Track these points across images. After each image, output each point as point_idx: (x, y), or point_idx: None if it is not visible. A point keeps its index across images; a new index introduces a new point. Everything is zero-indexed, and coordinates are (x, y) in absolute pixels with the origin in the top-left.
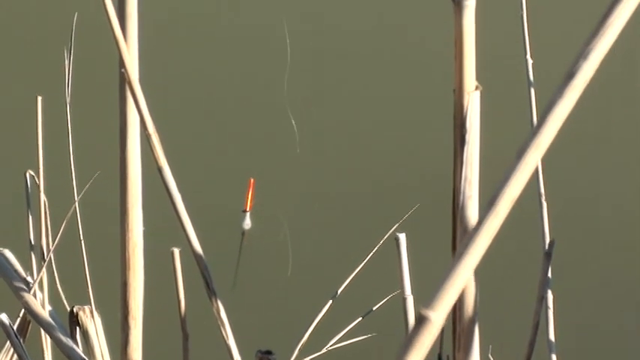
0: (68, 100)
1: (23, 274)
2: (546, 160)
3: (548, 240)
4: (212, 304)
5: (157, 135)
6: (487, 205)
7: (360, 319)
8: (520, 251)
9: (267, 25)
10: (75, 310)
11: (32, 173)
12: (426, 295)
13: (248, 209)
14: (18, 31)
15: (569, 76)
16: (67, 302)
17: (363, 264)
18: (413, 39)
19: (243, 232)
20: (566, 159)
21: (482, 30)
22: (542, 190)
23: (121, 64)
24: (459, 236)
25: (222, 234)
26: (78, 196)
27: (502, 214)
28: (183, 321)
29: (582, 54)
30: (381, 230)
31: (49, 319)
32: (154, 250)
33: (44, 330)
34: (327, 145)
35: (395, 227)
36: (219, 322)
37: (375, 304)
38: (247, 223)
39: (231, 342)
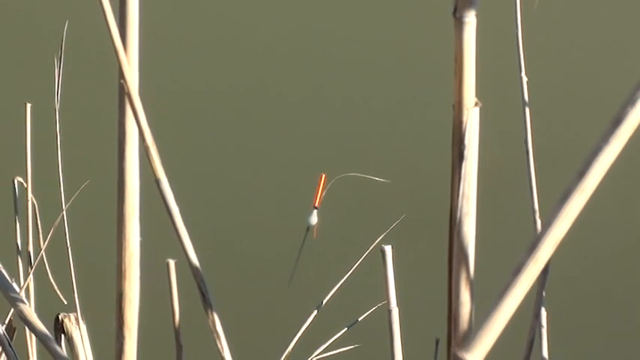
0: (57, 107)
1: (9, 280)
2: (540, 176)
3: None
4: (208, 316)
5: (155, 147)
6: (528, 250)
7: (346, 329)
8: (519, 247)
9: (268, 37)
10: (60, 317)
11: (21, 180)
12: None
13: (317, 205)
14: (8, 37)
15: (616, 122)
16: (53, 309)
17: (348, 275)
18: (412, 53)
19: (309, 227)
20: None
21: (481, 46)
22: (537, 207)
23: (121, 75)
24: (456, 252)
25: (217, 246)
26: (66, 204)
27: (543, 260)
28: (177, 332)
29: (630, 100)
30: (370, 241)
31: (45, 329)
32: (150, 260)
33: (40, 340)
34: (318, 154)
35: (381, 238)
36: (215, 335)
37: (360, 315)
38: (314, 219)
39: (227, 355)
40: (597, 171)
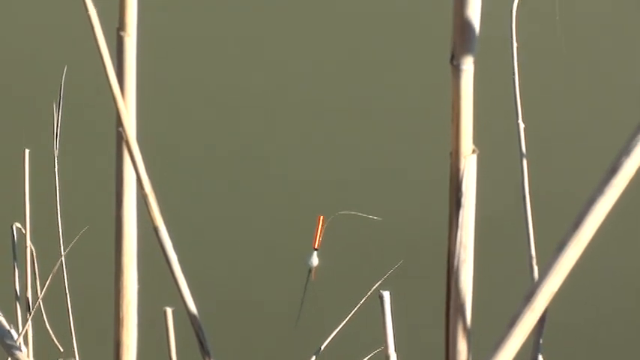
0: (56, 153)
1: (7, 326)
2: (537, 223)
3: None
4: None
5: (153, 195)
6: (525, 299)
7: None
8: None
9: (265, 87)
10: None
11: (19, 226)
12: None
13: (317, 247)
14: (7, 84)
15: (611, 172)
16: (52, 356)
17: (346, 320)
18: (410, 101)
19: (310, 270)
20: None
21: (478, 93)
22: (534, 254)
23: (119, 122)
24: (453, 300)
25: (215, 294)
26: (65, 251)
27: (539, 309)
28: None
29: (625, 150)
30: (368, 284)
31: None
32: (149, 308)
33: None
34: (319, 201)
35: (378, 284)
36: None
37: None
38: (315, 261)
39: None
40: (593, 221)
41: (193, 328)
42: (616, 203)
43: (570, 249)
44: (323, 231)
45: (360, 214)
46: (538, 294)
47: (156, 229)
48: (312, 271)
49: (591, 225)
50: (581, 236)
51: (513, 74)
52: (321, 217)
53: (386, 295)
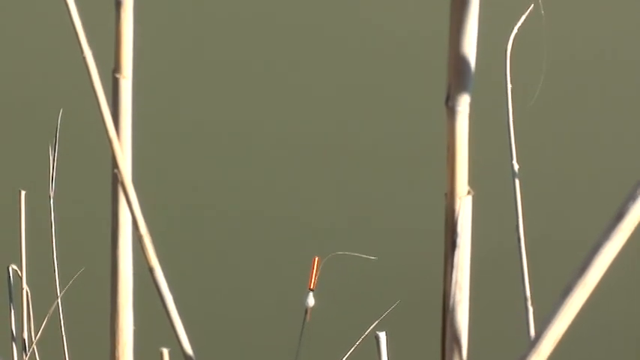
0: (52, 194)
1: None
2: (532, 264)
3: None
4: None
5: (149, 236)
6: (530, 345)
7: None
8: (512, 335)
9: (258, 124)
10: None
11: (15, 267)
12: None
13: (312, 287)
14: (2, 125)
15: (618, 217)
16: None
17: None
18: (404, 141)
19: (307, 310)
20: (554, 264)
21: (473, 134)
22: (529, 294)
23: (114, 164)
24: (448, 341)
25: (210, 334)
26: (61, 292)
27: (544, 355)
28: None
29: (631, 195)
30: (363, 325)
31: None
32: (145, 349)
33: None
34: (312, 243)
35: (374, 325)
36: None
37: None
38: (311, 301)
39: None
40: (599, 266)
41: None
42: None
43: (576, 294)
44: (318, 272)
45: (356, 254)
46: (543, 339)
47: (151, 270)
48: (308, 312)
49: (598, 270)
50: (587, 281)
51: (507, 115)
52: (317, 259)
53: (382, 335)
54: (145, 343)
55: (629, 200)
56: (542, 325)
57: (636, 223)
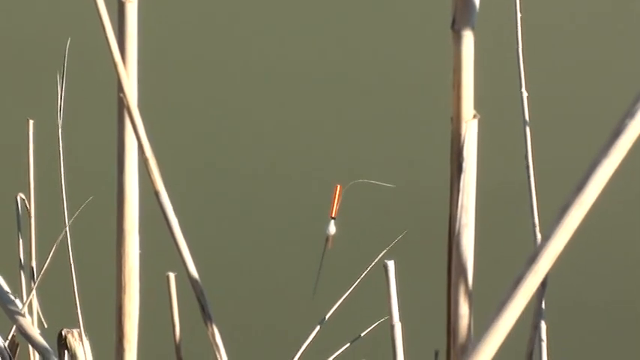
0: (60, 123)
1: (12, 296)
2: (539, 189)
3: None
4: (207, 329)
5: (154, 159)
6: (528, 262)
7: (349, 344)
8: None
9: (272, 52)
10: (64, 333)
11: (23, 196)
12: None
13: (334, 215)
14: (9, 54)
15: (615, 134)
16: (56, 325)
17: (350, 290)
18: (410, 67)
19: (327, 238)
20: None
21: (480, 59)
22: (537, 221)
23: (120, 88)
24: (455, 264)
25: (217, 259)
26: (69, 221)
27: (542, 272)
28: (177, 346)
29: (629, 112)
30: (370, 254)
31: (45, 344)
32: (151, 273)
33: (41, 355)
34: (317, 168)
35: (383, 253)
36: (215, 347)
37: (363, 330)
38: (332, 229)
39: None
40: (596, 184)
41: (195, 292)
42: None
43: (573, 212)
44: (340, 200)
45: (374, 181)
46: (541, 256)
47: (157, 194)
48: (330, 240)
49: (595, 187)
50: (584, 199)
51: (517, 44)
52: (339, 187)
53: (390, 264)
54: (152, 268)
55: (626, 117)
56: (540, 244)
57: (634, 140)
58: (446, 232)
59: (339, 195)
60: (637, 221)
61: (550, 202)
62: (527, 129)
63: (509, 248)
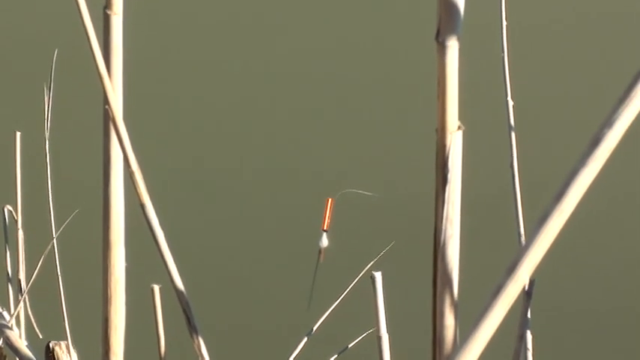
0: (47, 135)
1: None
2: (526, 199)
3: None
4: (193, 341)
5: (140, 172)
6: (507, 270)
7: (336, 356)
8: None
9: (259, 59)
10: (51, 345)
11: (10, 208)
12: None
13: (326, 228)
14: None
15: (594, 143)
16: (43, 337)
17: (337, 302)
18: (395, 78)
19: (320, 250)
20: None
21: (463, 70)
22: (522, 230)
23: (105, 101)
24: (440, 275)
25: (202, 271)
26: (56, 233)
27: (522, 280)
28: (163, 357)
29: (607, 122)
30: (359, 268)
31: (32, 357)
32: (136, 286)
33: None
34: (306, 180)
35: (370, 265)
36: (201, 359)
37: (351, 342)
38: (324, 242)
39: None
40: (576, 192)
41: (180, 304)
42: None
43: (553, 220)
44: (331, 213)
45: (362, 191)
46: (521, 264)
47: (142, 207)
48: (322, 252)
49: (574, 196)
50: (563, 207)
51: (502, 52)
52: (330, 200)
53: (378, 275)
54: (138, 280)
55: (604, 127)
56: (519, 252)
57: (612, 149)
58: (430, 242)
59: (330, 208)
60: (623, 230)
61: (536, 212)
62: (513, 138)
63: (495, 258)
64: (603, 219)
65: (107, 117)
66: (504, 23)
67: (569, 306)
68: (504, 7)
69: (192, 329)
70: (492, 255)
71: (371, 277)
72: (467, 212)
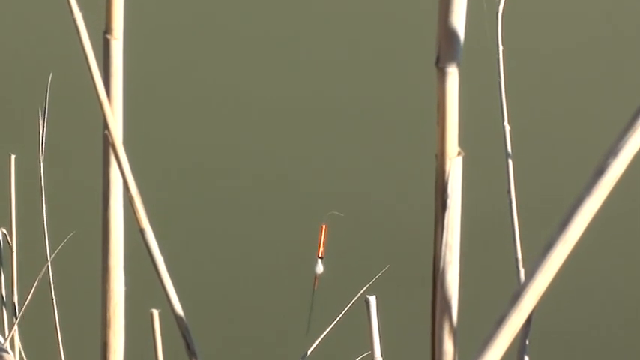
0: (42, 159)
1: None
2: (523, 226)
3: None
4: None
5: (139, 197)
6: (511, 300)
7: None
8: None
9: (251, 91)
10: None
11: (5, 231)
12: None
13: (320, 255)
14: None
15: (598, 173)
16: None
17: (331, 326)
18: (395, 104)
19: (315, 277)
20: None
21: (464, 95)
22: (520, 256)
23: (105, 126)
24: (439, 301)
25: (202, 296)
26: (51, 256)
27: (526, 310)
28: None
29: (612, 151)
30: (354, 290)
31: None
32: (135, 310)
33: None
34: (302, 204)
35: (365, 289)
36: None
37: None
38: (320, 268)
39: None
40: (580, 222)
41: (179, 329)
42: (607, 207)
43: (557, 249)
44: (326, 239)
45: (340, 214)
46: (525, 294)
47: (142, 231)
48: (316, 279)
49: (579, 225)
50: (568, 236)
51: (499, 77)
52: (324, 226)
53: (372, 299)
54: (137, 305)
55: (609, 156)
56: (524, 281)
57: (617, 178)
58: (430, 268)
59: (325, 235)
60: (622, 255)
61: (535, 237)
62: (510, 163)
63: (493, 283)
64: (602, 244)
65: (107, 142)
66: (501, 48)
67: (566, 330)
68: (500, 32)
69: (192, 354)
70: (489, 279)
71: (365, 300)
72: (466, 237)
